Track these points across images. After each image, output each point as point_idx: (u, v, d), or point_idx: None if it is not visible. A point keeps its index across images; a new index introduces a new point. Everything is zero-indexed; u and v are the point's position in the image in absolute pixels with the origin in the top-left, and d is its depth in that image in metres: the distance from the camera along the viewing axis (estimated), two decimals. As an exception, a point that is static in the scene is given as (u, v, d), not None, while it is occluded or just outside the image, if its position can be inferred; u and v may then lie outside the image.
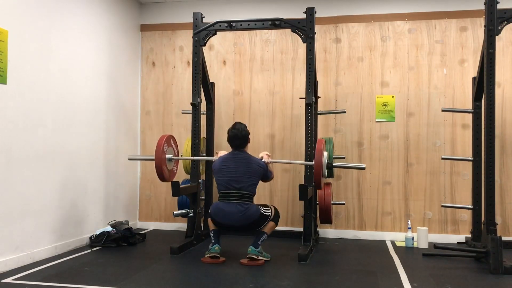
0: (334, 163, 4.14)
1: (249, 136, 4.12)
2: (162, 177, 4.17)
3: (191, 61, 4.95)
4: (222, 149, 4.58)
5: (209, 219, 4.08)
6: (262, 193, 5.30)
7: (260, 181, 4.07)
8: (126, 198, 5.48)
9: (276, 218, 4.05)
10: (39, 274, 3.49)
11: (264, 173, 4.06)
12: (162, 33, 5.75)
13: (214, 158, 4.30)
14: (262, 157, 4.16)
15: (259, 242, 3.91)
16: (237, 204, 3.89)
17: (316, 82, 4.75)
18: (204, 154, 5.14)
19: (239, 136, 4.02)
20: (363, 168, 4.33)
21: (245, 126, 4.10)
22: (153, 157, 4.12)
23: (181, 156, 5.01)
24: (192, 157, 4.65)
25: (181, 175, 5.42)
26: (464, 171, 5.01)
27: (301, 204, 4.92)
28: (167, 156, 4.22)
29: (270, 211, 4.02)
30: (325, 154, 3.91)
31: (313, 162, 3.89)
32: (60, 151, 4.20)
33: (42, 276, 3.43)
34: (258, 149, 5.14)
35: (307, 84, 4.43)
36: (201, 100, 4.77)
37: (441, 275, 3.60)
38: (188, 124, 5.38)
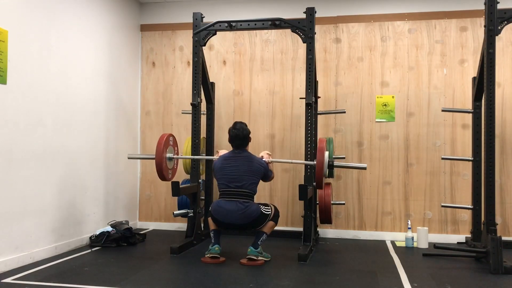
0: (336, 163, 4.14)
1: (250, 135, 4.12)
2: (162, 177, 4.16)
3: (191, 61, 4.95)
4: (223, 148, 4.57)
5: (209, 219, 4.07)
6: (262, 193, 5.30)
7: (260, 181, 4.08)
8: (126, 198, 5.48)
9: (276, 217, 4.05)
10: (39, 274, 3.49)
11: (265, 172, 4.06)
12: (162, 33, 5.75)
13: (215, 157, 4.29)
14: (262, 156, 4.16)
15: (258, 242, 3.91)
16: (238, 202, 3.89)
17: (316, 82, 4.75)
18: (204, 154, 5.14)
19: (240, 136, 4.02)
20: (364, 168, 4.29)
21: (246, 125, 4.10)
22: (154, 156, 4.11)
23: (181, 155, 5.01)
24: (192, 156, 4.64)
25: (181, 175, 5.42)
26: (464, 171, 5.01)
27: (301, 204, 4.92)
28: (168, 155, 4.21)
29: (270, 210, 4.02)
30: (326, 153, 3.91)
31: (315, 162, 3.88)
32: (60, 151, 4.20)
33: (42, 276, 3.43)
34: (258, 149, 5.14)
35: (307, 84, 4.43)
36: (201, 100, 4.77)
37: (441, 275, 3.60)
38: (188, 124, 5.38)
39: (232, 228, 3.99)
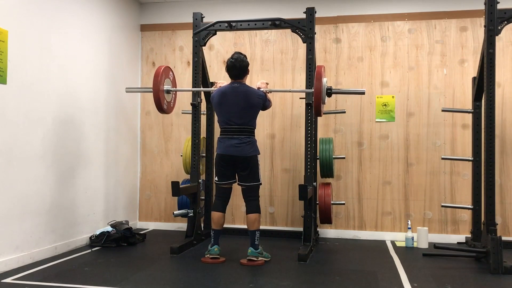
0: (334, 89, 4.09)
1: (249, 68, 4.07)
2: (160, 108, 4.11)
3: (191, 61, 4.95)
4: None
5: (212, 213, 4.06)
6: (262, 193, 5.27)
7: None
8: (126, 198, 5.48)
9: (258, 205, 4.02)
10: (39, 274, 3.49)
11: (264, 103, 4.07)
12: (162, 33, 5.75)
13: (214, 88, 4.27)
14: (259, 87, 4.14)
15: (256, 242, 3.90)
16: (239, 138, 3.93)
17: (316, 82, 4.75)
18: (204, 154, 5.14)
19: (237, 66, 3.96)
20: (363, 93, 4.25)
21: (245, 57, 4.04)
22: (151, 89, 4.08)
23: (181, 155, 5.01)
24: (191, 89, 4.58)
25: (181, 175, 5.43)
26: (464, 171, 5.01)
27: (301, 204, 4.92)
28: (165, 87, 4.18)
29: (260, 180, 4.06)
30: (324, 80, 3.89)
31: (313, 90, 3.87)
32: (60, 151, 4.20)
33: (42, 276, 3.43)
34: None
35: (307, 84, 4.43)
36: (201, 100, 4.77)
37: (441, 275, 3.60)
38: (188, 124, 5.38)
39: (229, 161, 3.95)
